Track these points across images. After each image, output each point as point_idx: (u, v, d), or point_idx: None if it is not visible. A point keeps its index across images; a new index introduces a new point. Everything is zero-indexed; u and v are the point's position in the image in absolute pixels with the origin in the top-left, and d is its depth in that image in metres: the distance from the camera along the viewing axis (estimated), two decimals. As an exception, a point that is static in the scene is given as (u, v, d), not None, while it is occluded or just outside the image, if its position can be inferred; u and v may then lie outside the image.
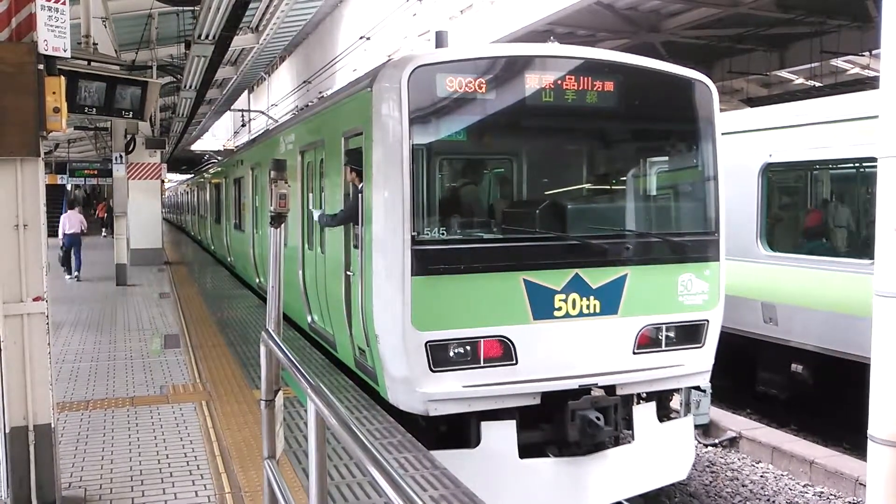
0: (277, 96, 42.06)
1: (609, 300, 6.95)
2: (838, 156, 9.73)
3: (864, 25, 18.55)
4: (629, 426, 7.23)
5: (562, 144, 8.09)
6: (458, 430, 6.72)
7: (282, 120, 23.45)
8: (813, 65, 21.85)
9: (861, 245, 9.43)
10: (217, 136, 54.94)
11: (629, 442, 7.19)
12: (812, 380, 10.18)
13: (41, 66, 4.64)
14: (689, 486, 8.65)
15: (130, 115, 11.00)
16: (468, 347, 6.56)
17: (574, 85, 6.96)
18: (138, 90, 10.83)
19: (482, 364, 6.60)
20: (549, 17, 16.77)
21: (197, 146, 51.92)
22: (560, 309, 6.77)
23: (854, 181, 10.19)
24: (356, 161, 7.23)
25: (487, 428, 6.61)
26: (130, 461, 5.80)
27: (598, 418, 6.70)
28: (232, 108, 36.95)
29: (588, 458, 6.86)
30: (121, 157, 18.06)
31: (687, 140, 7.95)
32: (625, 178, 8.11)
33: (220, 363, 9.08)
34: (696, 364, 7.44)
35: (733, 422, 10.05)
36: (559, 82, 6.92)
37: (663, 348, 7.25)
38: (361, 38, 25.14)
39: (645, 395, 7.46)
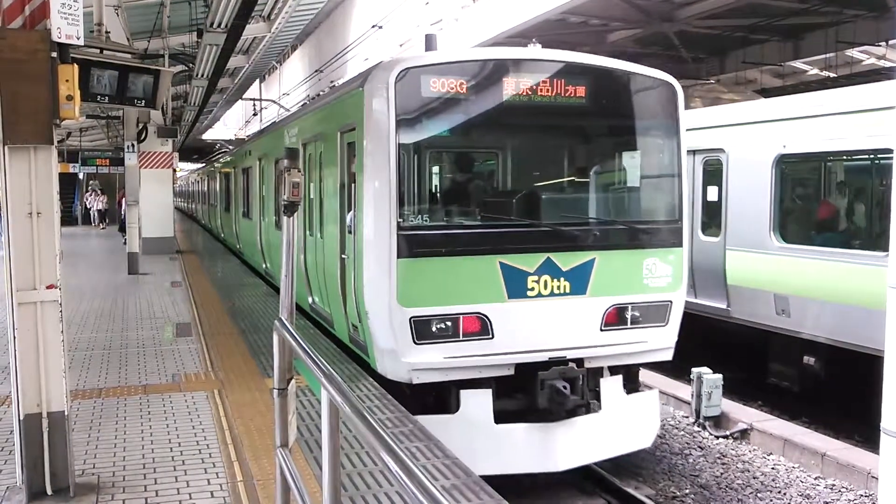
0: (289, 85, 42.05)
1: (578, 281, 7.61)
2: (853, 147, 9.66)
3: (881, 15, 18.37)
4: (597, 397, 7.81)
5: (537, 140, 8.75)
6: (439, 398, 7.41)
7: (293, 110, 23.49)
8: (828, 55, 21.64)
9: (875, 237, 9.36)
10: (228, 126, 54.94)
11: (597, 411, 7.75)
12: (824, 372, 10.14)
13: (54, 54, 4.65)
14: (700, 478, 8.64)
15: (142, 104, 11.04)
16: (449, 323, 7.24)
17: (548, 85, 7.61)
18: (150, 78, 10.86)
19: (461, 338, 7.28)
20: (562, 7, 16.64)
21: (208, 135, 51.91)
22: (533, 289, 7.45)
23: (868, 173, 10.11)
24: (352, 154, 7.94)
25: (466, 396, 7.29)
26: (143, 449, 5.83)
27: (565, 387, 7.31)
28: (244, 97, 36.92)
29: (558, 425, 7.47)
30: (132, 145, 18.09)
31: (653, 136, 8.50)
32: (595, 171, 8.71)
33: (232, 352, 9.11)
34: (660, 341, 8.06)
35: (745, 413, 10.02)
36: (534, 83, 7.58)
37: (629, 326, 7.89)
38: (373, 26, 25.08)
39: (611, 368, 8.04)
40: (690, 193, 12.23)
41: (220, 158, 28.77)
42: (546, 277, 7.48)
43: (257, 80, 38.32)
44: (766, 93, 22.58)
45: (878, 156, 9.49)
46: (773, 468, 8.85)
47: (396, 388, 7.32)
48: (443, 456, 5.54)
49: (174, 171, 25.37)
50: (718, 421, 9.99)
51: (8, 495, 4.93)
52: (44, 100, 4.60)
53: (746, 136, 11.19)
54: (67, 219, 36.94)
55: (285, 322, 4.14)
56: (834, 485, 8.32)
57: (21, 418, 4.78)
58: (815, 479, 8.50)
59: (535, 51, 8.02)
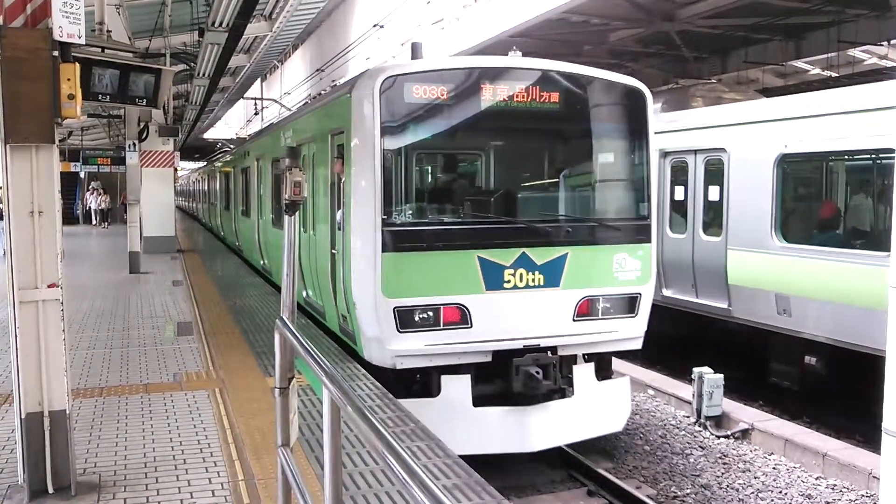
0: (290, 84, 42.06)
1: (552, 275, 8.11)
2: (854, 147, 9.66)
3: (882, 15, 18.35)
4: (570, 383, 8.29)
5: (514, 143, 9.32)
6: (422, 382, 7.97)
7: (294, 109, 23.53)
8: (830, 55, 21.61)
9: (876, 237, 9.36)
10: (230, 125, 54.97)
11: (570, 396, 8.25)
12: (825, 372, 10.13)
13: (56, 53, 4.64)
14: (701, 478, 8.64)
15: (144, 103, 11.02)
16: (430, 312, 7.78)
17: (524, 91, 8.17)
18: (152, 77, 10.84)
19: (442, 327, 7.81)
20: (563, 6, 16.64)
21: (210, 134, 51.96)
22: (509, 282, 7.96)
23: (870, 172, 10.10)
24: (341, 155, 8.50)
25: (447, 381, 7.84)
26: (144, 448, 5.83)
27: (538, 372, 7.83)
28: (245, 96, 36.96)
29: (532, 408, 7.98)
30: (134, 144, 18.06)
31: (623, 138, 8.99)
32: (568, 172, 9.22)
33: (233, 351, 9.11)
34: (630, 331, 8.57)
35: (746, 413, 10.02)
36: (510, 89, 8.14)
37: (600, 317, 8.39)
38: (375, 26, 25.06)
39: (585, 356, 8.59)
40: (693, 193, 12.27)
41: (220, 158, 29.15)
42: (521, 271, 7.99)
43: (259, 80, 38.37)
44: (768, 92, 22.58)
45: (880, 155, 9.48)
46: (774, 468, 8.85)
47: (382, 373, 7.81)
48: (444, 455, 5.54)
49: (175, 170, 25.33)
50: (719, 421, 9.99)
51: (9, 493, 4.93)
52: (45, 98, 4.60)
53: (748, 135, 11.18)
54: (69, 218, 36.94)
55: (286, 321, 4.14)
56: (835, 485, 8.32)
57: (23, 417, 4.78)
58: (817, 479, 8.49)
59: (511, 59, 8.53)
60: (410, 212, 8.19)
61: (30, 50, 4.55)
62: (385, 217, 7.66)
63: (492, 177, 9.49)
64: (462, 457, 5.58)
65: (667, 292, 12.76)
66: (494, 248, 7.94)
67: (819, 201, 11.03)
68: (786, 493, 8.26)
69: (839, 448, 8.77)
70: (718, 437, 9.75)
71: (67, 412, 4.88)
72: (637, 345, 8.74)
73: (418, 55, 9.38)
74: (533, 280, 8.04)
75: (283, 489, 3.98)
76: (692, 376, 10.22)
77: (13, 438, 5.25)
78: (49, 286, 4.74)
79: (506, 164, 9.44)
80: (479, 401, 7.88)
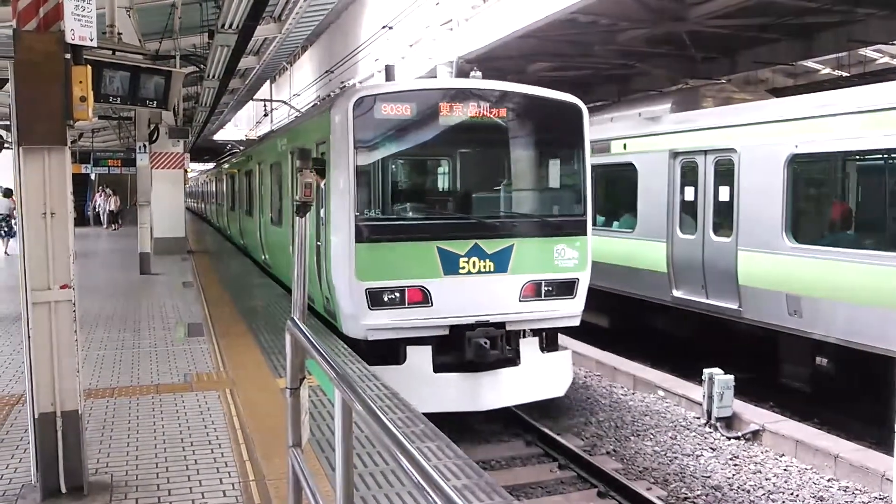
0: (300, 86, 42.11)
1: (500, 262, 9.48)
2: (866, 147, 9.61)
3: (893, 14, 18.23)
4: (517, 354, 9.66)
5: (468, 151, 10.60)
6: (390, 352, 9.21)
7: (304, 110, 23.61)
8: (840, 54, 21.48)
9: (888, 237, 9.31)
10: (239, 126, 55.10)
11: (517, 365, 9.59)
12: (836, 373, 10.09)
13: (68, 56, 4.67)
14: (712, 479, 8.61)
15: (154, 105, 11.07)
16: (397, 294, 9.16)
17: (476, 108, 9.65)
18: (162, 79, 10.89)
19: (407, 305, 9.20)
20: (571, 6, 16.56)
21: (219, 136, 52.07)
22: (463, 268, 9.32)
23: (882, 172, 10.05)
24: (320, 163, 9.52)
25: (411, 351, 9.23)
26: (156, 448, 5.86)
27: (486, 343, 9.18)
28: (254, 98, 37.02)
29: (484, 374, 9.33)
30: (144, 146, 18.12)
31: (562, 147, 10.47)
32: (515, 175, 10.64)
33: (244, 351, 9.14)
34: (569, 310, 9.95)
35: (756, 414, 9.98)
36: (465, 107, 9.60)
37: (543, 298, 9.73)
38: (384, 27, 25.07)
39: (531, 331, 9.91)
40: (703, 194, 12.23)
41: (226, 162, 29.79)
42: (474, 259, 9.34)
43: (268, 81, 38.41)
44: (778, 92, 22.46)
45: (892, 155, 9.44)
46: (785, 469, 8.81)
47: (357, 344, 9.18)
48: (454, 456, 5.55)
49: (185, 171, 25.36)
50: (730, 422, 9.96)
51: (23, 493, 4.96)
52: (58, 101, 4.62)
53: (758, 135, 11.15)
54: (80, 220, 37.04)
55: (298, 322, 4.15)
56: (847, 487, 8.27)
57: (35, 417, 4.81)
58: (829, 481, 8.45)
59: (466, 81, 10.18)
60: (380, 209, 9.65)
61: (43, 53, 4.58)
62: (358, 214, 9.09)
63: (449, 180, 10.95)
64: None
65: (677, 293, 12.73)
66: (451, 239, 9.30)
67: (830, 201, 10.99)
68: (797, 495, 8.23)
69: (851, 450, 8.72)
70: (729, 439, 9.72)
71: (80, 412, 4.90)
72: (575, 322, 10.09)
73: (391, 77, 11.20)
74: (484, 266, 9.38)
75: (294, 490, 3.99)
76: (703, 377, 10.19)
77: (26, 438, 5.27)
78: (61, 287, 4.77)
79: (462, 169, 10.75)
80: (438, 368, 9.23)
